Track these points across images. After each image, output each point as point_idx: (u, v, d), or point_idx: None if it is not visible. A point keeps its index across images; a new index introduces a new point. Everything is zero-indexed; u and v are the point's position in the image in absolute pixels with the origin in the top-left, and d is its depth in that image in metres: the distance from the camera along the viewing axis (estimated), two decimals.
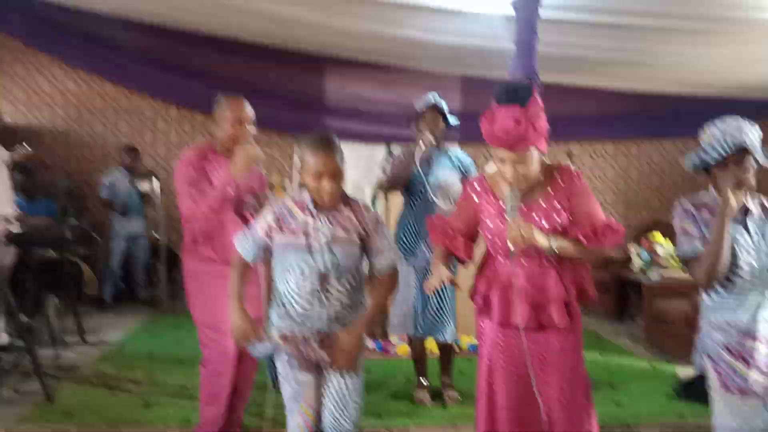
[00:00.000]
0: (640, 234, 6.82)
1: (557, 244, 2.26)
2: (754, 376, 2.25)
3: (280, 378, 2.48)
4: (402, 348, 4.90)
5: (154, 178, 6.81)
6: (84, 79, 7.40)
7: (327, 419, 2.43)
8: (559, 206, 2.35)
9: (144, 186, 6.70)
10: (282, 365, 2.45)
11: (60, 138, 7.41)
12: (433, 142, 3.80)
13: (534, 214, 2.34)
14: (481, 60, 6.37)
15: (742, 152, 2.25)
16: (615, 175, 8.05)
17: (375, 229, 2.39)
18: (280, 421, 3.28)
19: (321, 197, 2.31)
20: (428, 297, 3.82)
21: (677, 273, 5.84)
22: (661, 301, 5.37)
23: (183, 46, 7.14)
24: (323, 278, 2.32)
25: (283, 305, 2.40)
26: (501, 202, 2.36)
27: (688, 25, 5.06)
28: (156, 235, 6.81)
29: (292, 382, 2.42)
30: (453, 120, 3.96)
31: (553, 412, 2.37)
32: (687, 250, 2.33)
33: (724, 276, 2.28)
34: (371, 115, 7.58)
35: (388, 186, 3.97)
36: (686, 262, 2.37)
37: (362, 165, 7.39)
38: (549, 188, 2.36)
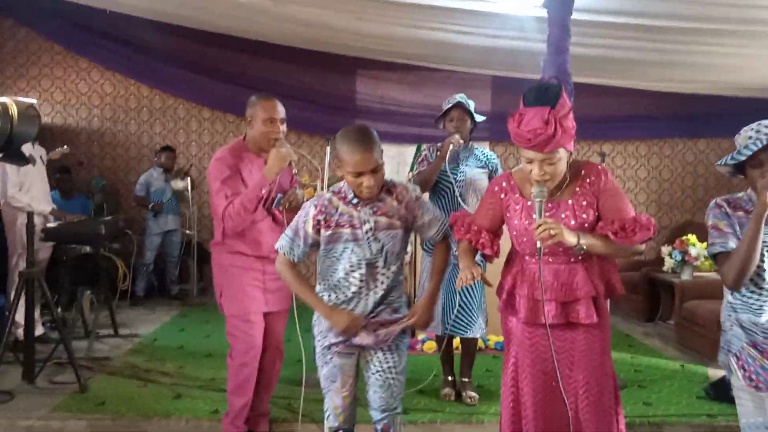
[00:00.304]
0: (673, 234, 6.73)
1: (585, 241, 2.23)
2: None
3: (317, 359, 2.52)
4: (429, 345, 4.91)
5: (188, 177, 6.94)
6: (120, 82, 7.59)
7: (373, 399, 2.48)
8: (586, 203, 2.33)
9: (178, 184, 6.83)
10: (320, 346, 2.49)
11: (96, 138, 7.61)
12: (461, 142, 3.82)
13: (562, 212, 2.33)
14: (511, 60, 6.36)
15: None
16: (647, 175, 7.93)
17: (418, 206, 2.44)
18: (308, 415, 3.34)
19: (360, 192, 2.32)
20: (457, 294, 3.83)
21: (709, 274, 5.76)
22: (693, 302, 5.28)
23: (216, 50, 7.31)
24: (371, 266, 2.37)
25: (332, 294, 2.44)
26: (528, 200, 2.35)
27: (722, 27, 4.97)
28: (188, 232, 6.94)
29: (329, 363, 2.46)
30: (479, 117, 3.97)
31: (580, 410, 2.35)
32: (718, 246, 2.29)
33: (751, 277, 2.25)
34: (402, 116, 7.62)
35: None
36: (716, 258, 2.32)
37: (392, 164, 7.44)
38: (576, 186, 2.34)
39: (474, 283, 2.42)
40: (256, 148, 3.11)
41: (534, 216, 2.26)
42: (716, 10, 4.67)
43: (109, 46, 7.32)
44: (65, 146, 5.85)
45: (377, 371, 2.47)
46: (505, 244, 2.52)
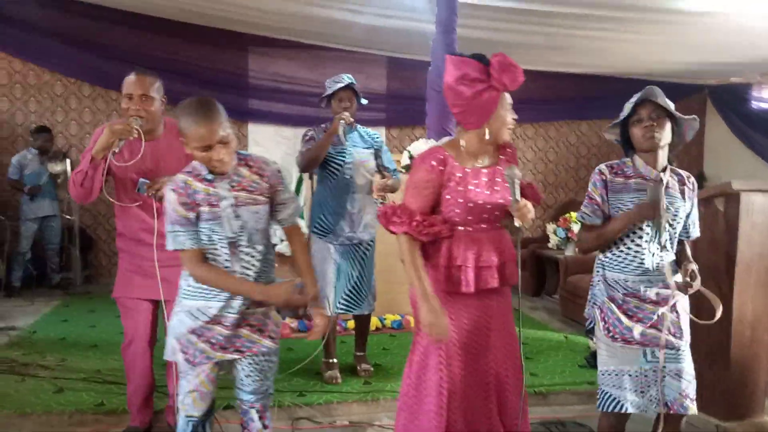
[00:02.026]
0: (557, 213, 7.07)
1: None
2: (638, 328, 2.44)
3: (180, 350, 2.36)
4: (352, 323, 4.83)
5: (66, 159, 6.52)
6: None
7: (245, 383, 2.38)
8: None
9: (56, 167, 6.40)
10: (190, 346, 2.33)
11: None
12: (351, 120, 3.81)
13: (498, 176, 2.41)
14: (404, 41, 6.40)
15: (646, 104, 2.40)
16: (534, 157, 8.27)
17: (278, 182, 2.34)
18: None
19: (213, 166, 2.22)
20: (349, 274, 3.85)
21: None
22: (576, 276, 5.59)
23: (97, 22, 6.87)
24: (233, 244, 2.26)
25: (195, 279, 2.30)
26: (465, 167, 2.36)
27: (602, 13, 5.23)
28: (68, 217, 6.54)
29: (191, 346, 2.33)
30: (363, 101, 4.00)
31: (501, 374, 2.44)
32: (587, 218, 2.53)
33: (624, 240, 2.46)
34: (297, 95, 7.48)
35: (304, 167, 3.94)
36: (582, 223, 2.58)
37: (288, 146, 7.32)
38: (500, 153, 2.48)
39: (367, 264, 2.35)
40: None
41: (510, 198, 2.33)
42: None
43: None
44: None
45: (248, 356, 2.36)
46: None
